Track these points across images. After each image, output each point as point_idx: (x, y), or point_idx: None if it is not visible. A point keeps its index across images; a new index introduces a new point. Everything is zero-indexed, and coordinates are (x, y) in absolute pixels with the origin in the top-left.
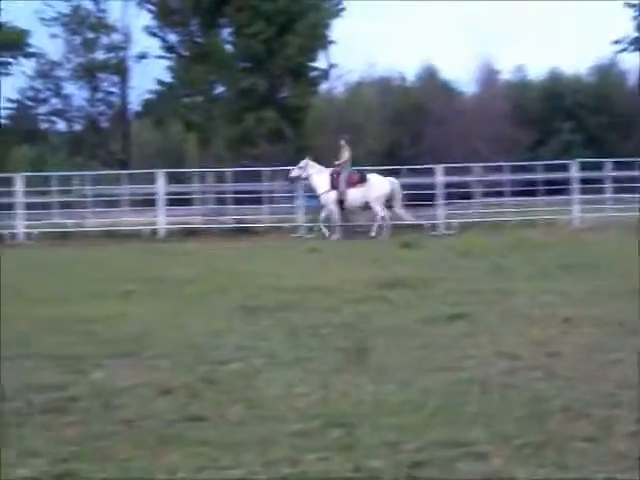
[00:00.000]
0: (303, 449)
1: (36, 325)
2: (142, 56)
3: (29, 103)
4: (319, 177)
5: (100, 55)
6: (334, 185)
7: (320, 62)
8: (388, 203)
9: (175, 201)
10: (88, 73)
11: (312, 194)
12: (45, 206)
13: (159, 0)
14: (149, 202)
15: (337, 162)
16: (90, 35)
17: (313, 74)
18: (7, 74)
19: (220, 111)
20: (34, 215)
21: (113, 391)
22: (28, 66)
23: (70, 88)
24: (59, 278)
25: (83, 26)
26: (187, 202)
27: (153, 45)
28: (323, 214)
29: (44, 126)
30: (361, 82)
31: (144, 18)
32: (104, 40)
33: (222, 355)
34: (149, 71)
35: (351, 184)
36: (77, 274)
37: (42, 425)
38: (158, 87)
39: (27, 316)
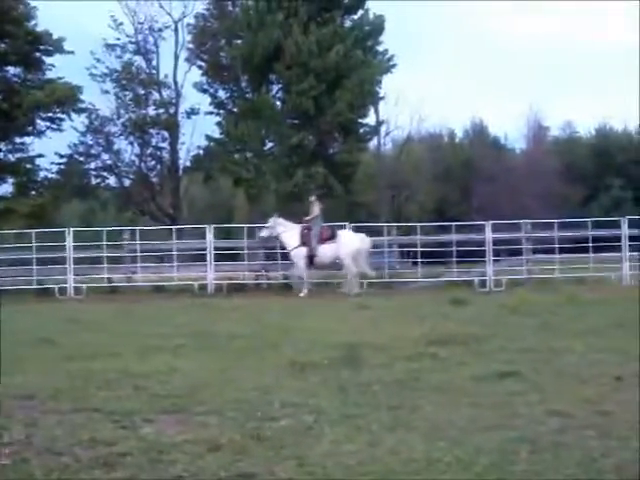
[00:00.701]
0: None
1: (87, 380)
2: (192, 112)
3: (80, 158)
4: (289, 234)
5: (151, 111)
6: (304, 241)
7: (369, 118)
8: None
9: (224, 256)
10: (138, 129)
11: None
12: (94, 261)
13: (209, 57)
14: (198, 257)
15: (306, 218)
16: (141, 91)
17: (362, 130)
18: (59, 129)
19: (269, 167)
20: (83, 270)
21: (162, 447)
22: (79, 121)
23: (120, 143)
24: (109, 333)
25: (134, 82)
26: (236, 257)
27: (203, 101)
28: (294, 271)
29: (94, 181)
30: (410, 138)
31: (194, 74)
32: (155, 96)
33: (271, 411)
34: (199, 127)
35: (322, 240)
36: (127, 329)
37: None
38: (208, 143)
39: (79, 371)
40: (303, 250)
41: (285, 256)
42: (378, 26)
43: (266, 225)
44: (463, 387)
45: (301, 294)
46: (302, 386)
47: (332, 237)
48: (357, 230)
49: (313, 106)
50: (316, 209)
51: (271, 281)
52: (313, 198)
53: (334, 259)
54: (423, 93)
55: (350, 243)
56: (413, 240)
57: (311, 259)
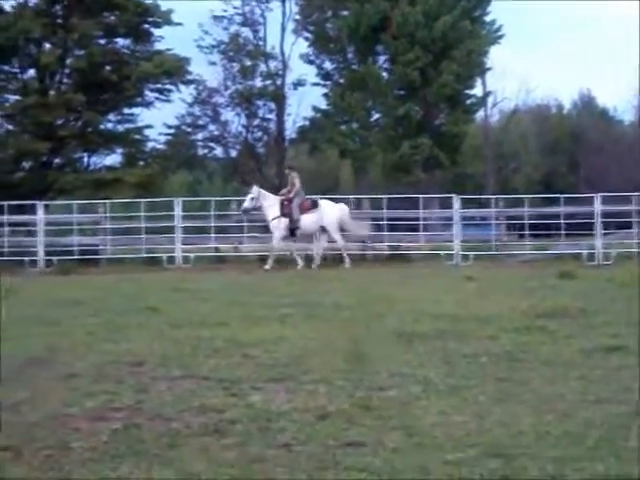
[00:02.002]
0: (460, 478)
1: (196, 348)
2: (299, 83)
3: (187, 129)
4: (271, 206)
5: (257, 82)
6: (285, 213)
7: (476, 89)
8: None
9: None
10: (245, 100)
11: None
12: (202, 230)
13: (316, 28)
14: None
15: (285, 190)
16: (248, 62)
17: (469, 101)
18: (167, 101)
19: (375, 138)
20: (191, 239)
21: (271, 415)
22: (187, 93)
23: (227, 115)
24: (216, 302)
25: (241, 53)
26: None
27: (310, 72)
28: (275, 243)
29: (202, 152)
30: (517, 110)
31: (301, 45)
32: (261, 67)
33: (379, 381)
34: (305, 98)
35: (304, 210)
36: (234, 298)
37: (201, 447)
38: (314, 114)
39: (188, 339)
40: (284, 221)
41: (393, 227)
42: None
43: (249, 196)
44: (571, 360)
45: (299, 267)
46: (409, 357)
47: (314, 207)
48: (464, 201)
49: (419, 77)
50: (296, 181)
51: (377, 252)
52: (287, 171)
53: (317, 228)
54: (530, 64)
55: (331, 212)
56: (520, 212)
57: (293, 230)
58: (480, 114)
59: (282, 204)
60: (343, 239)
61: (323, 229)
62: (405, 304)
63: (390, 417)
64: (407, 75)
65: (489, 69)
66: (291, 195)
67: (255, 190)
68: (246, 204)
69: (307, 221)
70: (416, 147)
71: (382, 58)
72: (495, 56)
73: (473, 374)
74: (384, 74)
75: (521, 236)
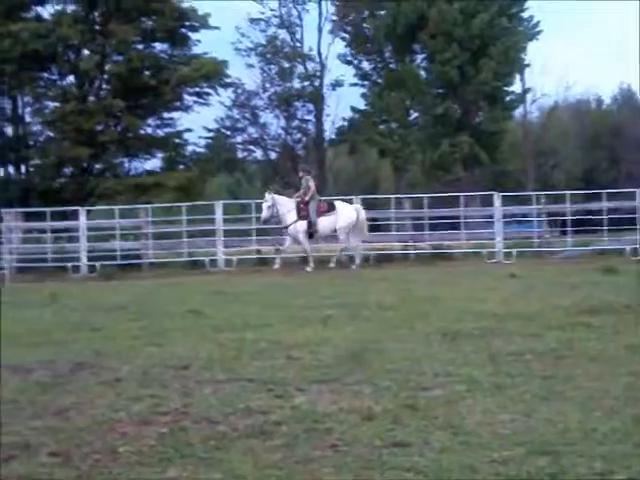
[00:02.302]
0: (508, 477)
1: (240, 350)
2: (337, 84)
3: (226, 132)
4: (289, 211)
5: (296, 84)
6: (302, 216)
7: (515, 86)
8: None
9: (370, 227)
10: (284, 102)
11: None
12: (244, 233)
13: (353, 28)
14: None
15: (300, 193)
16: (285, 64)
17: (508, 98)
18: (206, 104)
19: (414, 137)
20: (233, 242)
21: (316, 416)
22: (225, 96)
23: (266, 117)
24: (259, 304)
25: (278, 55)
26: (383, 228)
27: (347, 73)
28: (287, 244)
29: (241, 154)
30: (556, 105)
31: (338, 46)
32: (299, 69)
33: (424, 381)
34: (343, 98)
35: (320, 213)
36: (276, 300)
37: (247, 449)
38: (352, 114)
39: (231, 341)
40: (302, 224)
41: (434, 226)
42: None
43: (265, 205)
44: (617, 356)
45: (308, 268)
46: (454, 356)
47: (330, 209)
48: (505, 199)
49: (458, 75)
50: (311, 184)
51: (419, 251)
52: (302, 174)
53: (334, 230)
54: (569, 59)
55: (348, 215)
56: (562, 209)
57: (311, 233)
58: (519, 111)
59: (299, 208)
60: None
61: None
62: (448, 303)
63: (436, 417)
64: (445, 73)
65: (528, 65)
66: (307, 198)
67: (269, 197)
68: (264, 214)
69: (324, 223)
70: (455, 145)
71: (420, 57)
72: (533, 52)
73: (518, 372)
74: (422, 73)
75: (563, 232)
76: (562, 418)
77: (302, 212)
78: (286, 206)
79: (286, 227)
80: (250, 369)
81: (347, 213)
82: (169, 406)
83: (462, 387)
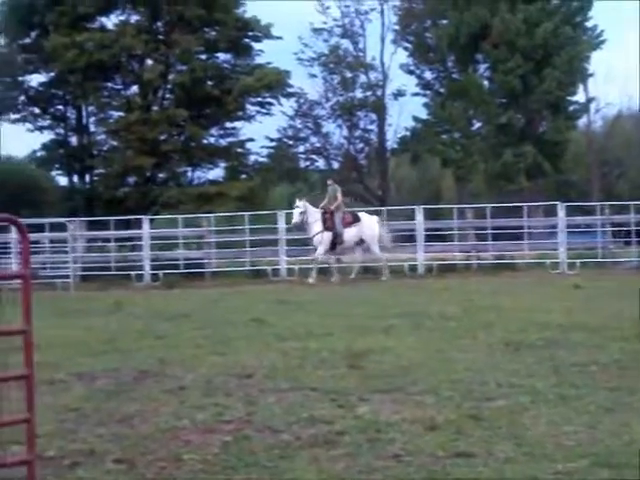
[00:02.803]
0: None
1: (303, 359)
2: (399, 93)
3: (289, 142)
4: (315, 221)
5: (358, 93)
6: (328, 227)
7: (578, 95)
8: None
9: (433, 237)
10: (346, 111)
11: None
12: (305, 242)
13: (415, 38)
14: (408, 238)
15: (325, 202)
16: (348, 74)
17: (572, 108)
18: (268, 114)
19: (477, 147)
20: (295, 251)
21: (379, 426)
22: (288, 105)
23: (329, 126)
24: (320, 313)
25: (341, 65)
26: (446, 238)
27: (410, 82)
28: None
29: (303, 164)
30: (620, 114)
31: (401, 56)
32: (362, 78)
33: (487, 392)
34: (406, 108)
35: (345, 224)
36: (338, 310)
37: (311, 458)
38: (415, 124)
39: (294, 350)
40: (327, 235)
41: (497, 236)
42: (586, 1)
43: (297, 210)
44: None
45: (333, 279)
46: (517, 366)
47: (355, 221)
48: (568, 209)
49: (521, 85)
50: (339, 195)
51: (482, 261)
52: (330, 182)
53: (358, 241)
54: (632, 68)
55: (372, 226)
56: (626, 219)
57: (334, 244)
58: (583, 120)
59: (324, 218)
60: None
61: (361, 242)
62: (511, 313)
63: (499, 427)
64: (508, 83)
65: (591, 75)
66: (332, 207)
67: (302, 204)
68: (295, 219)
69: (349, 235)
70: (519, 155)
71: (482, 66)
72: (597, 61)
73: (582, 383)
74: (485, 82)
75: (627, 243)
76: (627, 430)
77: (327, 222)
78: (313, 216)
79: (311, 237)
80: (313, 378)
81: (371, 224)
82: (233, 415)
83: (526, 398)
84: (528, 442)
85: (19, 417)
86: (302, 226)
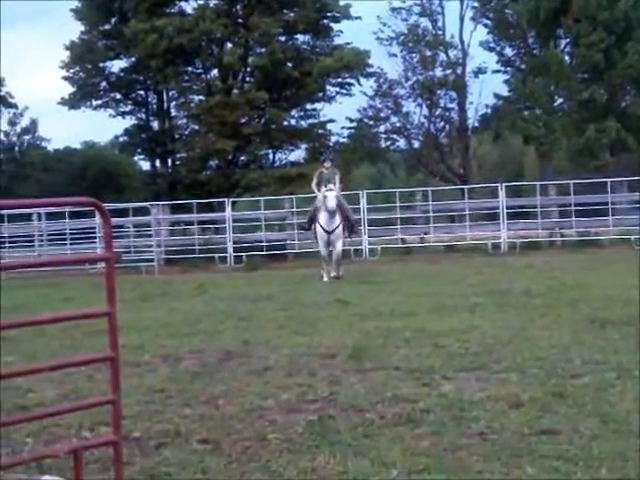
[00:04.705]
0: None
1: (386, 339)
2: (479, 71)
3: (369, 122)
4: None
5: (438, 72)
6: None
7: None
8: None
9: (516, 214)
10: (426, 90)
11: None
12: (387, 222)
13: (495, 14)
14: (490, 216)
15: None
16: (427, 52)
17: None
18: (348, 94)
19: (559, 123)
20: (377, 231)
21: (464, 404)
22: (368, 85)
23: (409, 106)
24: (404, 293)
25: (420, 44)
26: (528, 215)
27: (490, 60)
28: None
29: (384, 144)
30: None
31: (480, 33)
32: (441, 56)
33: (572, 369)
34: (487, 86)
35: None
36: (421, 289)
37: (395, 437)
38: (496, 101)
39: (377, 330)
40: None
41: (581, 213)
42: None
43: (332, 193)
44: None
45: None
46: (602, 343)
47: None
48: None
49: (603, 59)
50: (338, 179)
51: (565, 238)
52: (330, 164)
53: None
54: None
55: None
56: None
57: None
58: None
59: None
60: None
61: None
62: (596, 290)
63: (585, 404)
64: (590, 58)
65: None
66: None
67: (337, 187)
68: (332, 203)
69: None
70: (602, 131)
71: (563, 42)
72: None
73: None
74: (566, 58)
75: None
76: None
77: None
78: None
79: (336, 227)
80: (396, 357)
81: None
82: (316, 394)
83: (611, 375)
84: (614, 419)
85: (105, 399)
86: (337, 211)
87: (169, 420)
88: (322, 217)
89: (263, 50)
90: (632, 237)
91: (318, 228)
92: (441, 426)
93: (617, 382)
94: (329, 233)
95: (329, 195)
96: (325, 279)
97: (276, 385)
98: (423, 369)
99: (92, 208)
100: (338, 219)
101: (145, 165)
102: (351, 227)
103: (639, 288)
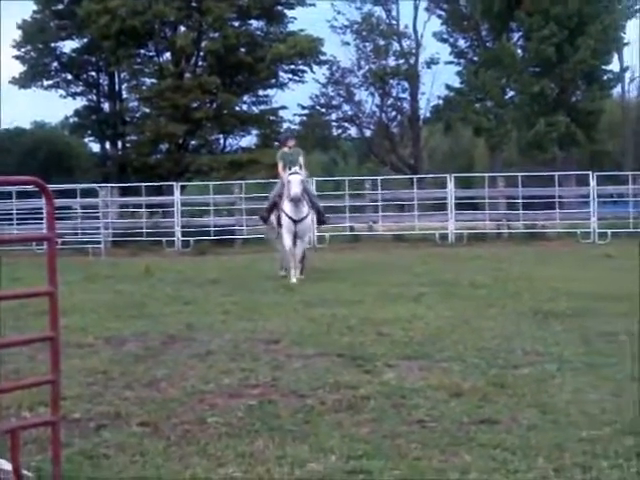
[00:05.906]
0: (595, 456)
1: (331, 326)
2: (432, 62)
3: (321, 109)
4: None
5: (391, 61)
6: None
7: (613, 65)
8: None
9: (464, 205)
10: (379, 79)
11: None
12: (336, 210)
13: (449, 6)
14: (439, 206)
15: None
16: (381, 42)
17: (606, 77)
18: (300, 81)
19: (510, 116)
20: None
21: (405, 392)
22: (320, 73)
23: (361, 94)
24: (350, 281)
25: (374, 33)
26: (477, 207)
27: (443, 51)
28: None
29: (336, 132)
30: None
31: (434, 24)
32: (395, 46)
33: (513, 359)
34: (439, 77)
35: None
36: (368, 277)
37: (335, 423)
38: (448, 92)
39: (322, 317)
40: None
41: (528, 205)
42: None
43: (296, 177)
44: None
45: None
46: (544, 335)
47: None
48: (600, 179)
49: (555, 53)
50: (302, 160)
51: (513, 230)
52: (294, 143)
53: None
54: None
55: None
56: None
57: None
58: (617, 90)
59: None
60: None
61: None
62: (541, 282)
63: (524, 395)
64: (542, 52)
65: (626, 44)
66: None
67: (303, 171)
68: (297, 189)
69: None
70: (552, 124)
71: (516, 35)
72: (632, 30)
73: (610, 352)
74: (518, 51)
75: None
76: None
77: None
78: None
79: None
80: (340, 344)
81: None
82: (259, 379)
83: (552, 366)
84: (553, 410)
85: (44, 378)
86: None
87: (110, 402)
88: (287, 205)
89: (216, 35)
90: (578, 231)
91: (283, 217)
92: (381, 413)
93: (557, 373)
94: (296, 222)
95: (293, 179)
96: (293, 280)
97: (219, 369)
98: (366, 356)
99: (37, 188)
100: (306, 207)
101: (95, 147)
102: (319, 216)
103: (583, 281)
